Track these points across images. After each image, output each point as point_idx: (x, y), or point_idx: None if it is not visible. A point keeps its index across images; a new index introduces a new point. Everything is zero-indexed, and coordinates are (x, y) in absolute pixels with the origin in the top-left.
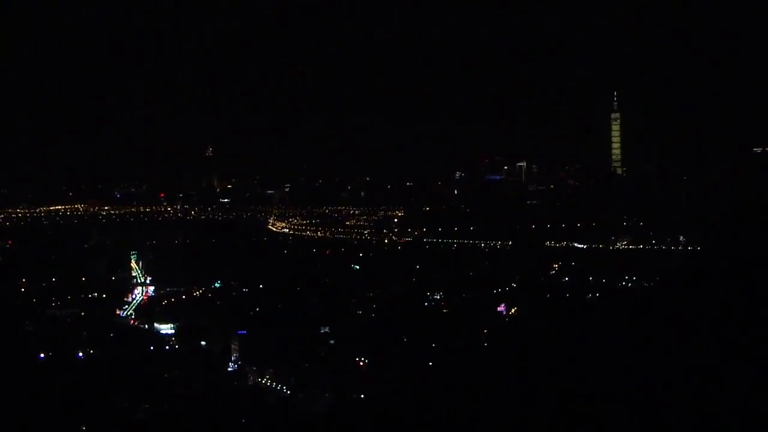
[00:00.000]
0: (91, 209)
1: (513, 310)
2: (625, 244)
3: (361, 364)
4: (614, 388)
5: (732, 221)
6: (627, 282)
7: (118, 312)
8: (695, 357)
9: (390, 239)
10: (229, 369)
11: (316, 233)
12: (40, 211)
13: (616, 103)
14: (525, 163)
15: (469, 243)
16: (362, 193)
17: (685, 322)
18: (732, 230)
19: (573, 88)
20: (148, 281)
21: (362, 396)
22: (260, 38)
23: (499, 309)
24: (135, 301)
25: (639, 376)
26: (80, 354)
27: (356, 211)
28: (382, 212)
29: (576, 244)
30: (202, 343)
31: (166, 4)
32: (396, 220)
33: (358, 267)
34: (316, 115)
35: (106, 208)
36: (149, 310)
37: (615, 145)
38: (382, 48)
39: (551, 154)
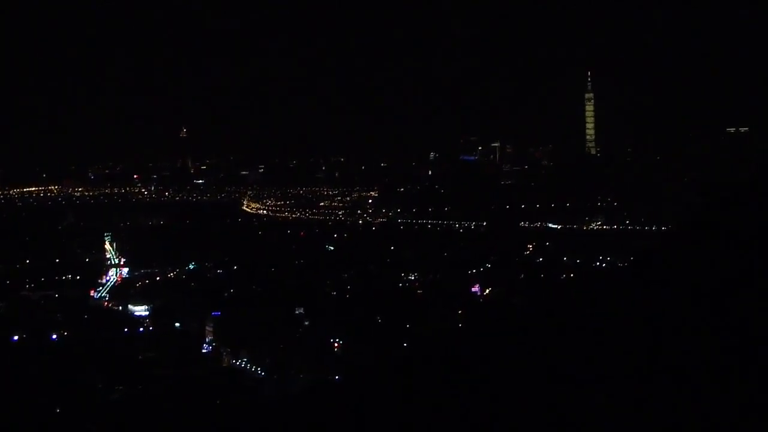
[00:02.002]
0: (66, 190)
1: (487, 291)
2: (599, 224)
3: (336, 345)
4: (590, 369)
5: (706, 201)
6: (601, 262)
7: (92, 294)
8: (670, 338)
9: (364, 220)
10: (204, 350)
11: (291, 214)
12: (14, 192)
13: (589, 83)
14: (499, 144)
15: (444, 224)
16: (337, 174)
17: (659, 302)
18: (706, 210)
19: (547, 69)
20: (122, 263)
21: (337, 377)
22: (235, 18)
23: (473, 290)
24: (109, 283)
25: (612, 357)
26: (54, 336)
27: (331, 192)
28: (356, 193)
29: (550, 225)
30: (177, 324)
31: None
32: (370, 200)
33: (332, 248)
34: (290, 96)
35: (80, 189)
36: (123, 292)
37: (589, 126)
38: (358, 29)
39: (526, 135)
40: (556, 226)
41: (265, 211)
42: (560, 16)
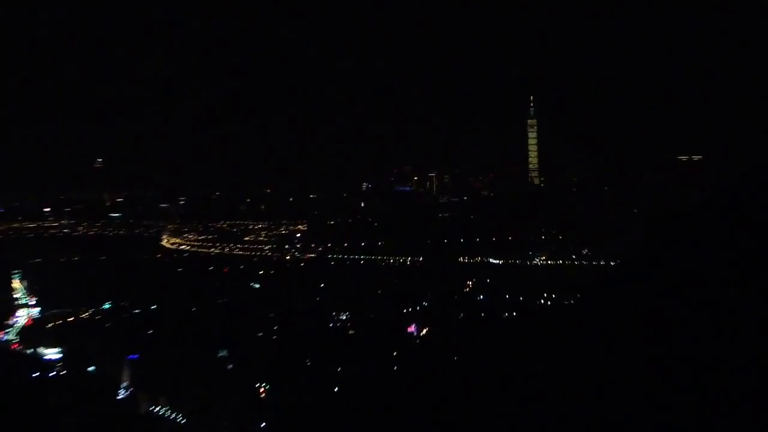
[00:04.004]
0: None
1: (425, 331)
2: (543, 259)
3: (262, 390)
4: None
5: (652, 233)
6: (545, 299)
7: None
8: (617, 374)
9: (292, 255)
10: (120, 396)
11: (214, 249)
12: None
13: (532, 109)
14: (436, 173)
15: (378, 259)
16: (262, 206)
17: (606, 339)
18: (652, 242)
19: (487, 93)
20: (32, 302)
21: (263, 426)
22: (153, 42)
23: (409, 330)
24: (18, 324)
25: (561, 406)
26: None
27: (256, 226)
28: (284, 226)
29: (491, 260)
30: (91, 368)
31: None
32: (299, 234)
33: (258, 285)
34: (212, 124)
35: None
36: (34, 334)
37: (532, 154)
38: (286, 53)
39: (464, 164)
40: (497, 261)
41: (186, 246)
42: (501, 35)
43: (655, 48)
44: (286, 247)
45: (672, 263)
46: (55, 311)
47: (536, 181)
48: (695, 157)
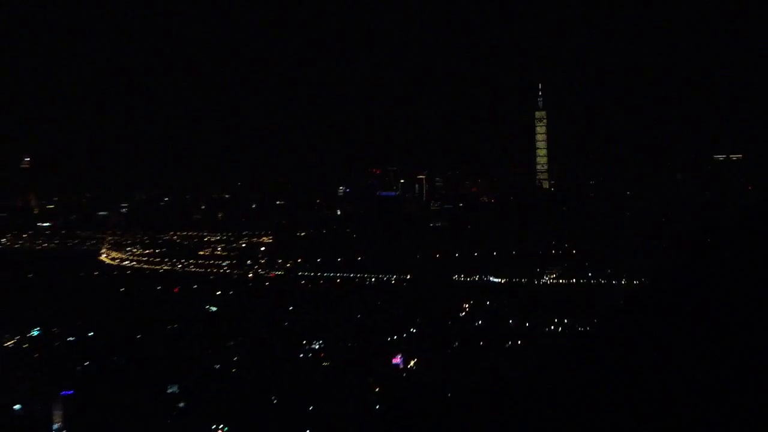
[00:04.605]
0: None
1: (412, 363)
2: (554, 278)
3: None
4: None
5: (685, 248)
6: (556, 325)
7: None
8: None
9: (255, 272)
10: None
11: (162, 265)
12: None
13: (540, 99)
14: (426, 175)
15: (357, 276)
16: (220, 215)
17: (628, 374)
18: (685, 259)
19: (489, 79)
20: None
21: None
22: (90, 36)
23: (394, 361)
24: None
25: None
26: None
27: (213, 238)
28: (246, 238)
29: (492, 278)
30: (17, 407)
31: None
32: (263, 248)
33: (214, 309)
34: (161, 117)
35: None
36: None
37: (540, 152)
38: (256, 43)
39: (461, 164)
40: (498, 279)
41: (129, 262)
42: (505, 31)
43: (690, 31)
44: (249, 262)
45: (711, 284)
46: None
47: (545, 185)
48: (734, 157)
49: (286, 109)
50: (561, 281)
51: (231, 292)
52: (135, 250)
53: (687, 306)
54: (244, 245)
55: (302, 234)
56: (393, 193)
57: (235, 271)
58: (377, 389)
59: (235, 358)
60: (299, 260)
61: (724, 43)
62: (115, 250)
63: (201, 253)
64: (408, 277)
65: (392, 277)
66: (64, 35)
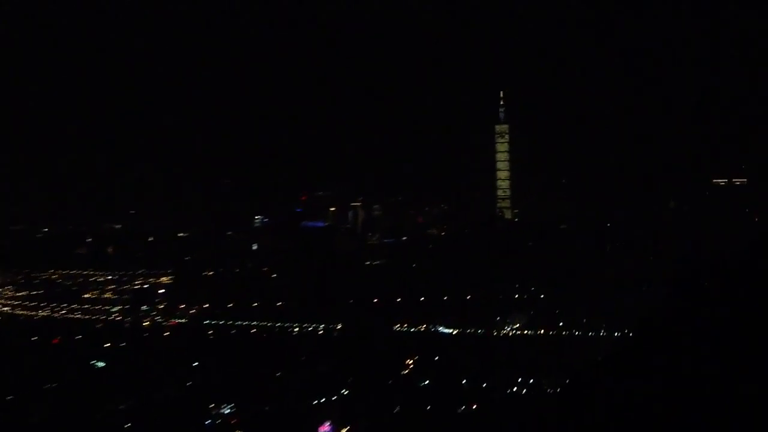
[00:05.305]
0: None
1: (345, 431)
2: (515, 329)
3: None
4: None
5: (677, 290)
6: (519, 384)
7: None
8: None
9: (152, 320)
10: None
11: (38, 311)
12: None
13: (503, 111)
14: (362, 202)
15: (277, 326)
16: (110, 249)
17: None
18: (677, 303)
19: (438, 92)
20: None
21: None
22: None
23: (322, 429)
24: None
25: None
26: None
27: (101, 277)
28: (141, 278)
29: (441, 329)
30: None
31: None
32: (162, 290)
33: (102, 364)
34: (39, 132)
35: None
36: None
37: (502, 174)
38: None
39: (404, 188)
40: (449, 330)
41: None
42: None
43: (686, 32)
44: (144, 308)
45: (708, 334)
46: None
47: (507, 214)
48: (738, 181)
49: (196, 119)
50: (526, 332)
51: (122, 344)
52: (7, 291)
53: (680, 364)
54: (138, 286)
55: (209, 273)
56: (322, 224)
57: (128, 318)
58: None
59: (127, 425)
60: (205, 305)
61: (722, 44)
62: None
63: (86, 295)
64: (339, 326)
65: (319, 326)
66: None
